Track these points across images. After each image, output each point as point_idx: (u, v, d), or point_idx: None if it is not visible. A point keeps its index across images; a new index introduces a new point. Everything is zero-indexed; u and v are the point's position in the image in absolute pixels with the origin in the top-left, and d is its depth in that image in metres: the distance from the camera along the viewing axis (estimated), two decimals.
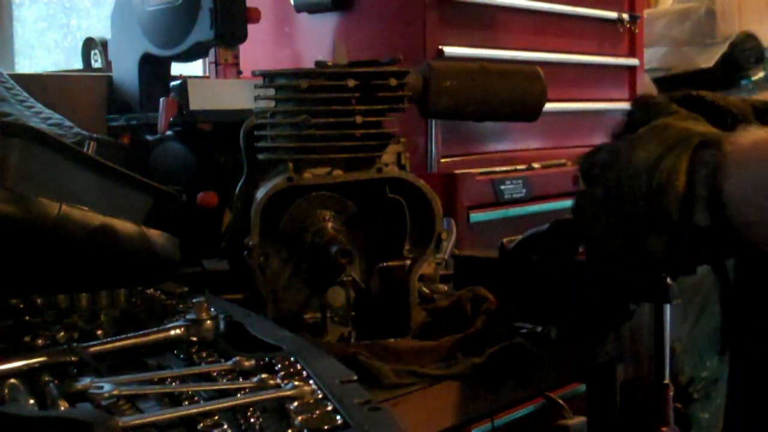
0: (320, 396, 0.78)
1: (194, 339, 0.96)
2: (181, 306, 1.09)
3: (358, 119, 1.11)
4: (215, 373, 0.86)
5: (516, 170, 2.41)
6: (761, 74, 3.43)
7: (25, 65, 2.55)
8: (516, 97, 1.29)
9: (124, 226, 1.11)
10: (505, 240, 1.19)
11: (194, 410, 0.75)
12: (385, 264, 1.15)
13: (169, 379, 0.84)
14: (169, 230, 1.18)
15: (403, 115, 1.17)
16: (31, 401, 0.77)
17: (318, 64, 1.14)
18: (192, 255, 1.30)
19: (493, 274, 1.20)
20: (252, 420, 0.74)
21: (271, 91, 1.15)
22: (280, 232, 1.12)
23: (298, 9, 2.45)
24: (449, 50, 2.24)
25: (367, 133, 1.12)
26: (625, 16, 2.85)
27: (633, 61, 2.90)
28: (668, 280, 1.06)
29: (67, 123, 1.75)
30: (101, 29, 2.39)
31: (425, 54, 2.20)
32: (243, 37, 1.77)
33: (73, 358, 0.87)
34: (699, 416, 3.10)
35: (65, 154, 1.25)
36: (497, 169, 2.37)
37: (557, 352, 1.16)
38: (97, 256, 1.08)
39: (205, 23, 1.71)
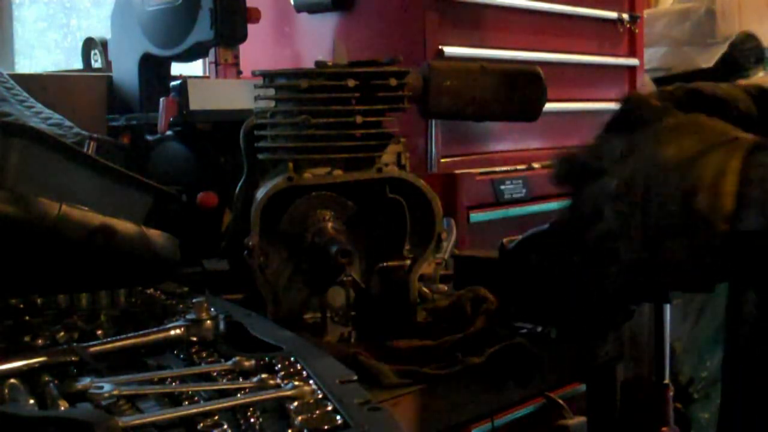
0: (320, 396, 0.78)
1: (194, 339, 0.96)
2: (181, 306, 1.09)
3: (358, 119, 1.11)
4: (215, 373, 0.86)
5: (516, 170, 2.41)
6: (761, 74, 3.43)
7: (25, 65, 2.55)
8: (516, 97, 1.29)
9: (124, 226, 1.11)
10: (505, 240, 1.19)
11: (194, 410, 0.75)
12: (385, 264, 1.15)
13: (169, 379, 0.84)
14: (169, 230, 1.18)
15: (403, 115, 1.17)
16: (31, 401, 0.77)
17: (318, 64, 1.14)
18: (192, 255, 1.30)
19: (493, 274, 1.20)
20: (252, 420, 0.74)
21: (271, 91, 1.15)
22: (280, 232, 1.12)
23: (298, 9, 2.45)
24: (449, 50, 2.24)
25: (367, 133, 1.12)
26: (625, 16, 2.85)
27: (633, 61, 2.90)
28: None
29: (67, 123, 1.75)
30: (101, 29, 2.39)
31: (425, 54, 2.20)
32: (243, 37, 1.77)
33: (73, 358, 0.87)
34: (699, 416, 3.11)
35: (65, 154, 1.25)
36: (497, 169, 2.37)
37: (557, 352, 1.16)
38: (96, 256, 1.08)
39: (205, 23, 1.71)
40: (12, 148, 1.19)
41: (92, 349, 0.90)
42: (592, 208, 0.89)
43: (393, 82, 1.13)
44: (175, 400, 0.79)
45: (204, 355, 0.93)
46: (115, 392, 0.78)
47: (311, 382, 0.80)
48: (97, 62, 2.17)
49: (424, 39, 2.22)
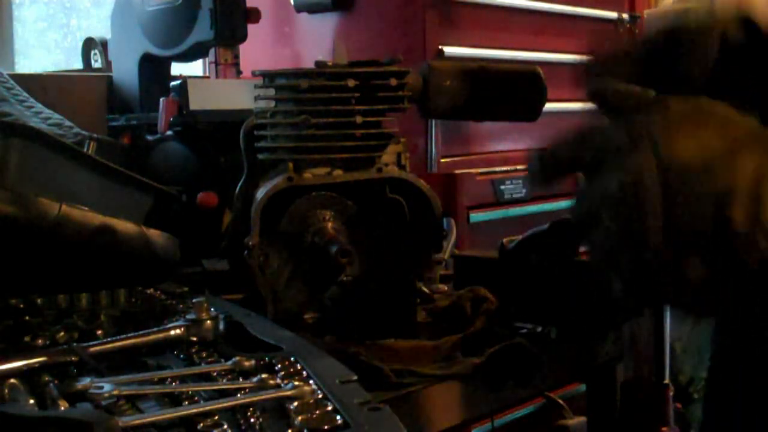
0: (320, 396, 0.77)
1: (194, 339, 0.95)
2: (181, 306, 1.09)
3: (358, 119, 1.11)
4: (215, 373, 0.85)
5: (516, 170, 2.41)
6: None
7: (25, 65, 2.55)
8: (516, 97, 1.29)
9: (124, 226, 1.10)
10: (505, 240, 1.19)
11: (194, 410, 0.75)
12: (385, 264, 1.15)
13: (169, 379, 0.84)
14: (169, 230, 1.18)
15: (403, 115, 1.17)
16: (31, 401, 0.77)
17: (318, 64, 1.14)
18: (192, 255, 1.30)
19: (493, 274, 1.20)
20: (252, 420, 0.74)
21: (271, 91, 1.15)
22: (280, 232, 1.12)
23: (298, 9, 2.45)
24: (449, 50, 2.24)
25: (367, 133, 1.12)
26: (625, 16, 2.85)
27: None
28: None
29: (67, 123, 1.75)
30: (101, 29, 2.39)
31: (425, 54, 2.20)
32: (243, 37, 1.77)
33: (73, 358, 0.87)
34: (699, 416, 3.10)
35: (65, 154, 1.25)
36: (497, 169, 2.38)
37: (557, 352, 1.16)
38: (97, 256, 1.08)
39: (205, 23, 1.71)
40: (12, 148, 1.19)
41: (92, 349, 0.90)
42: (588, 211, 0.72)
43: (393, 82, 1.13)
44: (175, 400, 0.79)
45: (204, 355, 0.92)
46: (115, 392, 0.78)
47: (311, 382, 0.80)
48: (97, 62, 2.17)
49: (424, 39, 2.23)
